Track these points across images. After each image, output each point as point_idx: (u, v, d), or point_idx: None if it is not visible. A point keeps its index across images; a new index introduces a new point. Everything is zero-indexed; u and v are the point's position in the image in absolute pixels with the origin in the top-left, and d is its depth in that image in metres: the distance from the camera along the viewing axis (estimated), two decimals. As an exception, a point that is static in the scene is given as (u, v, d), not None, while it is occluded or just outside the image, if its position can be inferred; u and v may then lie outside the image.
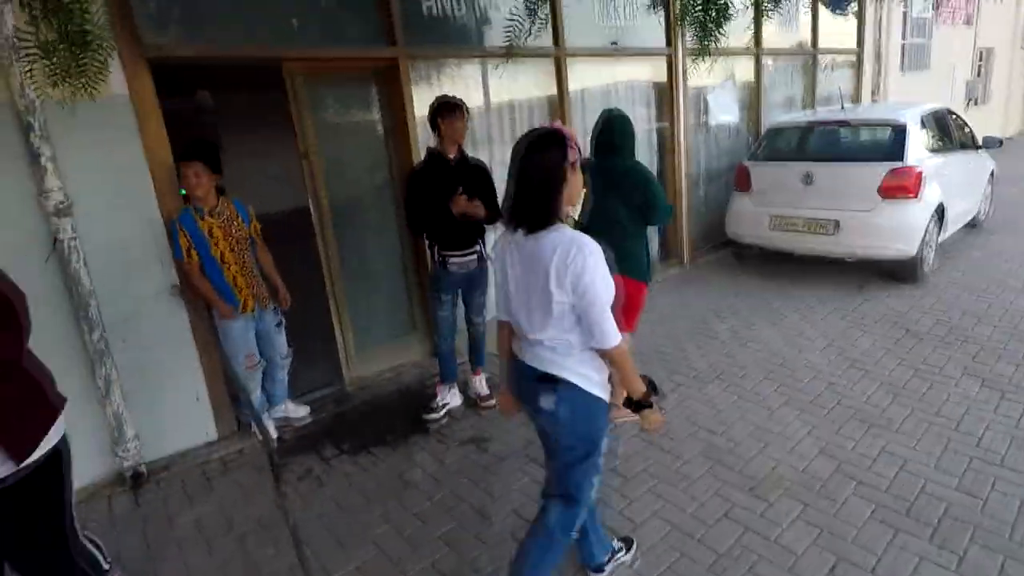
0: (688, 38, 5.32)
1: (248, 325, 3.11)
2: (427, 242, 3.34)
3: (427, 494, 2.75)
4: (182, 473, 3.06)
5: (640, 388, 1.79)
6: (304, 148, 3.47)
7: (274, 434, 3.30)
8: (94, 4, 1.84)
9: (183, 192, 2.97)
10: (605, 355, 1.72)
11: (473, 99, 4.15)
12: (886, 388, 3.29)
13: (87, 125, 2.69)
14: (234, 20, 3.14)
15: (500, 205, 3.25)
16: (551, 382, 1.72)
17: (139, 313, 2.94)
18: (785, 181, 5.07)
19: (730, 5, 3.03)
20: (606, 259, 1.63)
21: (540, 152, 1.63)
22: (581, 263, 1.57)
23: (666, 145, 5.64)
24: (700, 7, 3.05)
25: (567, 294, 1.61)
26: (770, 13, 3.99)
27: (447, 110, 3.10)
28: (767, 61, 6.57)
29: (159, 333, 3.02)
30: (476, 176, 3.25)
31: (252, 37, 3.21)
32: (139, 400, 2.98)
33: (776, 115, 6.63)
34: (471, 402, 3.56)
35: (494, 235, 4.34)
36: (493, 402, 3.49)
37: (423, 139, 3.87)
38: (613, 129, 2.96)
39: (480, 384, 3.59)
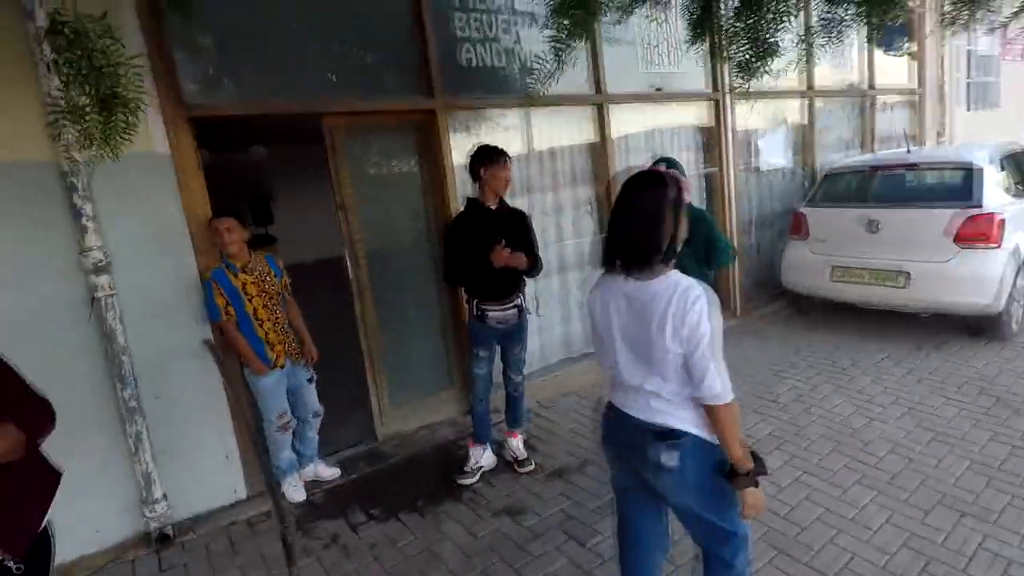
0: (734, 80, 5.20)
1: (280, 381, 3.04)
2: (464, 294, 3.21)
3: (455, 574, 2.53)
4: (209, 535, 2.94)
5: (743, 456, 1.57)
6: (340, 199, 3.44)
7: (302, 496, 3.18)
8: (123, 67, 1.79)
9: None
10: (709, 412, 1.56)
11: (512, 146, 4.07)
12: (978, 468, 2.88)
13: (128, 183, 2.73)
14: (275, 77, 3.17)
15: (536, 252, 3.20)
16: (671, 437, 1.58)
17: (172, 368, 2.90)
18: (847, 228, 4.75)
19: (778, 45, 2.85)
20: None
21: (654, 193, 1.57)
22: (699, 312, 1.51)
23: (714, 190, 5.42)
24: (746, 46, 2.89)
25: (682, 343, 1.53)
26: (821, 56, 3.79)
27: (490, 159, 3.02)
28: (820, 102, 6.31)
29: (191, 389, 2.97)
30: (516, 225, 3.15)
31: (292, 93, 3.24)
32: (169, 457, 2.92)
33: (832, 157, 6.32)
34: (507, 465, 3.35)
35: (533, 286, 4.22)
36: (531, 467, 3.28)
37: (461, 189, 3.81)
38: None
39: (517, 447, 3.38)
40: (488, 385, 3.31)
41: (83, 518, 2.73)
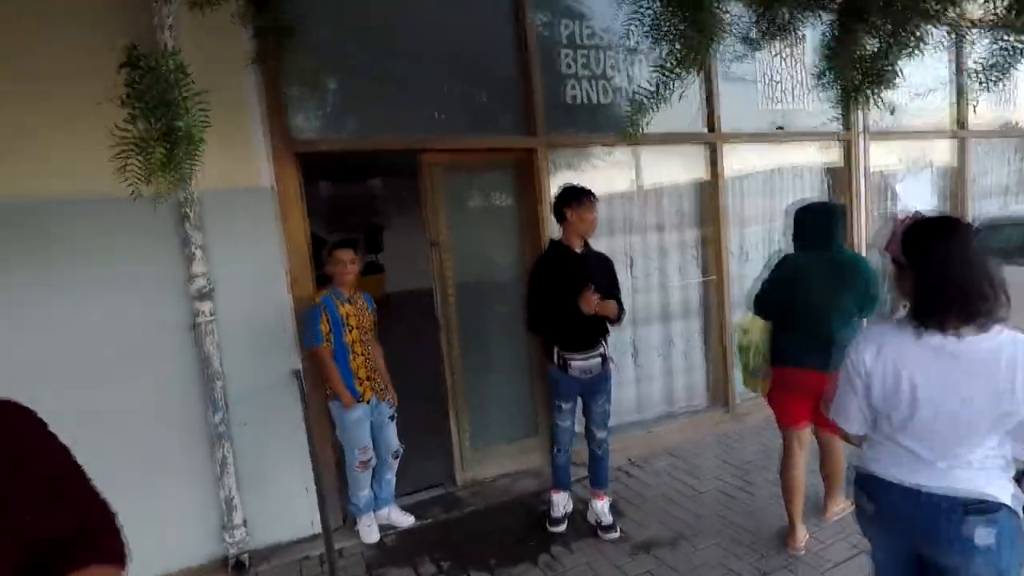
0: (868, 119, 4.71)
1: (365, 416, 3.01)
2: (546, 343, 3.03)
3: (523, 654, 2.29)
4: (281, 568, 2.92)
5: None
6: (435, 235, 3.41)
7: (375, 538, 3.10)
8: (190, 101, 1.81)
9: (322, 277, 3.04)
10: None
11: (615, 185, 3.90)
12: None
13: (234, 215, 2.84)
14: (377, 112, 3.23)
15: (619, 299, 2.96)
16: (986, 510, 1.41)
17: (261, 396, 2.95)
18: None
19: (897, 75, 2.50)
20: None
21: (969, 239, 1.46)
22: None
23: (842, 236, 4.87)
24: (865, 78, 2.54)
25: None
26: (979, 95, 3.27)
27: (577, 200, 2.87)
28: (974, 143, 5.55)
29: (277, 418, 2.99)
30: (602, 270, 2.96)
31: (393, 129, 3.28)
32: (251, 484, 2.95)
33: (988, 206, 5.51)
34: (590, 528, 3.07)
35: (630, 332, 3.95)
36: (616, 534, 2.99)
37: (556, 230, 3.66)
38: (832, 218, 2.80)
39: (603, 510, 3.09)
40: (571, 437, 3.10)
41: (168, 536, 2.82)
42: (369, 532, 3.09)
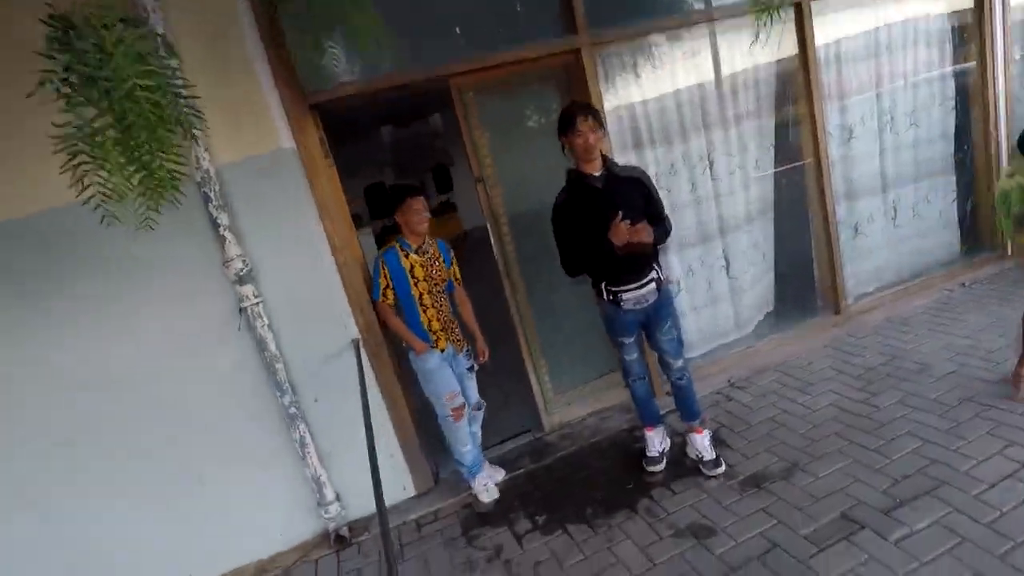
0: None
1: (443, 362, 2.83)
2: (592, 280, 2.69)
3: (630, 616, 2.13)
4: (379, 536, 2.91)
5: None
6: (480, 171, 3.06)
7: (495, 496, 2.96)
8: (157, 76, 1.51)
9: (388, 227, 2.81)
10: None
11: (682, 79, 3.31)
12: None
13: (258, 185, 2.62)
14: (393, 46, 2.83)
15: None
16: None
17: (325, 371, 2.83)
18: None
19: None
20: None
21: None
22: None
23: (970, 95, 4.01)
24: None
25: None
26: None
27: (566, 124, 2.45)
28: None
29: (348, 388, 2.86)
30: (632, 191, 2.52)
31: (414, 59, 2.88)
32: (335, 459, 2.91)
33: None
34: (692, 466, 2.82)
35: (721, 240, 3.49)
36: (721, 469, 2.72)
37: (619, 142, 3.19)
38: None
39: (702, 444, 2.81)
40: (643, 365, 2.86)
41: (271, 521, 2.87)
42: (486, 493, 2.94)
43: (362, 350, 2.86)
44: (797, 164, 3.65)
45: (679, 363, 2.74)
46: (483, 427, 3.11)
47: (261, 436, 2.79)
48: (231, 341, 2.66)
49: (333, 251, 2.78)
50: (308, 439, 2.79)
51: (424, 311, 2.75)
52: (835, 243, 3.68)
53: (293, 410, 2.74)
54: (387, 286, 2.69)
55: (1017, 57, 4.03)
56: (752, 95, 3.45)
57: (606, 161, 2.54)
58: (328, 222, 2.75)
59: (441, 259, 2.84)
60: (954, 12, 3.86)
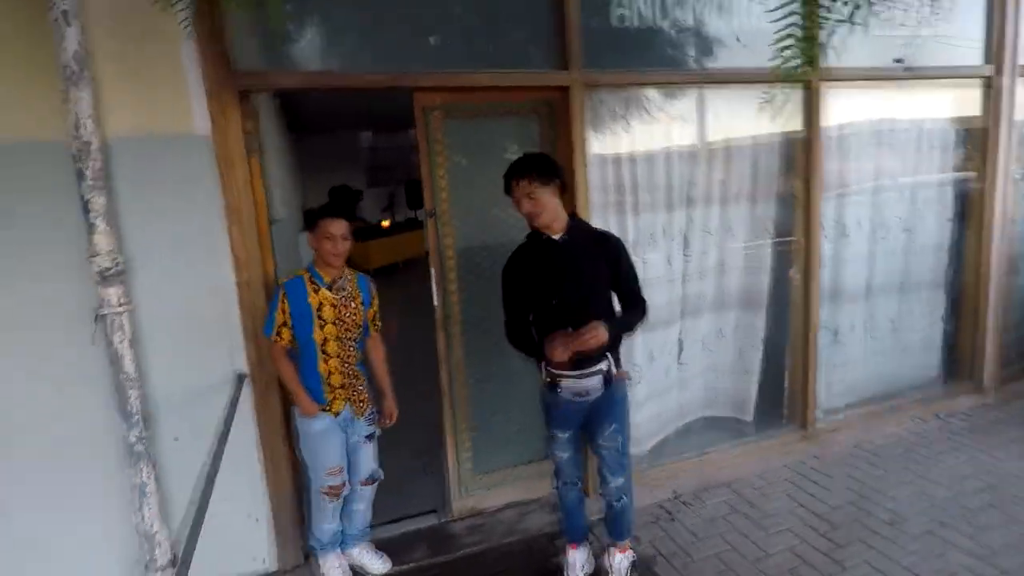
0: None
1: (333, 428, 2.33)
2: (532, 355, 2.24)
3: None
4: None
5: None
6: (432, 204, 2.63)
7: None
8: None
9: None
10: None
11: (676, 138, 2.98)
12: None
13: (152, 171, 2.15)
14: (353, 37, 2.42)
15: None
16: None
17: (196, 407, 2.31)
18: None
19: None
20: None
21: None
22: None
23: (968, 208, 3.78)
24: None
25: None
26: None
27: (516, 175, 2.05)
28: None
29: (218, 434, 2.37)
30: (599, 255, 2.11)
31: (373, 60, 2.46)
32: (186, 515, 2.35)
33: None
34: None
35: (677, 327, 3.09)
36: (643, 600, 2.24)
37: (599, 197, 2.81)
38: None
39: (621, 567, 2.35)
40: (577, 468, 2.38)
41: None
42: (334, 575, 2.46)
43: (246, 388, 2.36)
44: (783, 250, 3.31)
45: (618, 481, 2.26)
46: (376, 496, 2.58)
47: (92, 474, 2.23)
48: (78, 352, 2.13)
49: (236, 265, 2.30)
50: (151, 486, 2.22)
51: (325, 360, 2.27)
52: (813, 347, 3.32)
53: (139, 447, 2.17)
54: (284, 323, 2.20)
55: (1018, 176, 3.82)
56: (744, 171, 3.13)
57: (573, 220, 2.13)
58: (236, 230, 2.28)
59: (359, 299, 2.35)
60: (963, 118, 3.64)
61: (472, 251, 2.72)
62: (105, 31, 2.04)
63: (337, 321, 2.26)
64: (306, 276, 2.25)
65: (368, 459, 2.49)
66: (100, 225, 2.03)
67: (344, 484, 2.39)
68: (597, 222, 2.63)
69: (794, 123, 3.17)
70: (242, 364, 2.37)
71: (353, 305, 2.32)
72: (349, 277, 2.33)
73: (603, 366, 2.09)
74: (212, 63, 2.17)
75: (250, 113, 2.35)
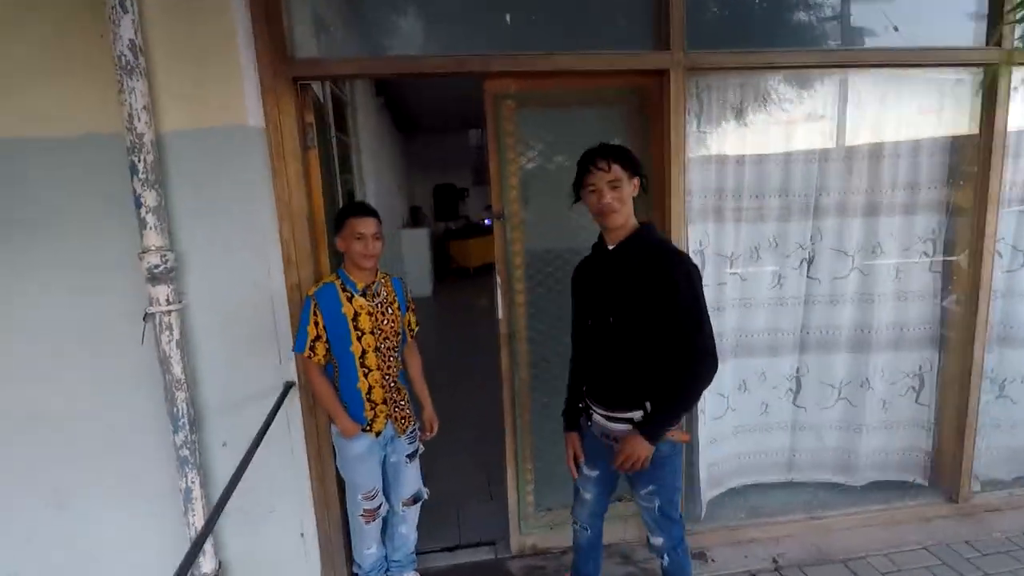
0: None
1: (372, 450, 2.14)
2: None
3: None
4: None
5: None
6: (501, 205, 2.34)
7: None
8: None
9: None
10: None
11: (799, 134, 2.46)
12: None
13: (205, 165, 2.05)
14: (414, 20, 2.19)
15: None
16: None
17: (246, 413, 2.20)
18: None
19: None
20: None
21: None
22: None
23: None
24: None
25: None
26: None
27: (580, 170, 1.72)
28: None
29: (269, 440, 2.25)
30: (643, 275, 1.66)
31: (441, 45, 2.22)
32: (233, 525, 2.27)
33: None
34: None
35: (792, 359, 2.55)
36: None
37: (697, 203, 2.38)
38: None
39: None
40: (595, 517, 2.04)
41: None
42: (375, 606, 2.28)
43: (294, 398, 2.23)
44: (939, 276, 2.64)
45: (658, 540, 1.88)
46: (430, 520, 2.36)
47: (141, 475, 2.20)
48: (128, 352, 2.08)
49: (286, 265, 2.16)
50: (197, 491, 2.16)
51: (365, 375, 2.06)
52: (973, 400, 2.63)
53: (185, 452, 2.12)
54: (317, 337, 2.02)
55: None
56: (894, 176, 2.51)
57: (642, 230, 1.74)
58: (287, 228, 2.14)
59: (396, 304, 2.14)
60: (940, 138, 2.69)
61: (544, 259, 2.41)
62: (159, 20, 1.96)
63: (375, 330, 2.06)
64: (337, 283, 2.05)
65: (412, 478, 2.28)
66: (151, 221, 1.97)
67: (383, 505, 2.21)
68: (695, 233, 2.21)
69: (964, 119, 2.50)
70: (291, 371, 2.23)
71: (391, 311, 2.11)
72: (383, 281, 2.13)
73: (636, 415, 1.71)
74: (267, 51, 2.03)
75: (308, 104, 2.20)
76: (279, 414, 2.20)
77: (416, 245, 8.64)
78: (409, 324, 2.24)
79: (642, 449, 1.64)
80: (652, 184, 2.31)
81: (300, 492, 2.32)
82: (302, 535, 2.35)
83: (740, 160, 2.40)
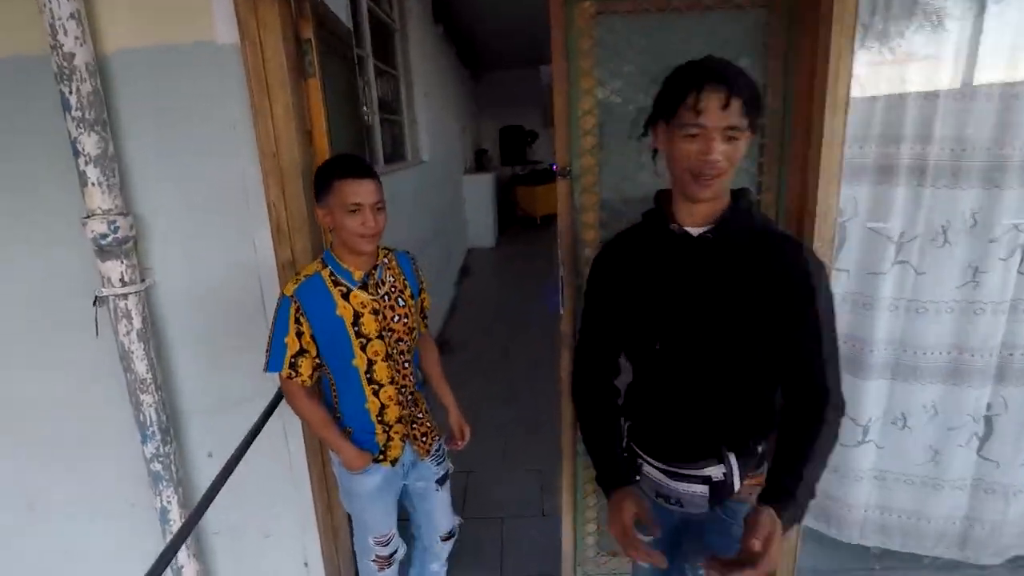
0: None
1: (390, 483, 1.63)
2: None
3: None
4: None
5: None
6: (567, 158, 1.68)
7: None
8: None
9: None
10: None
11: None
12: None
13: (171, 100, 1.52)
14: None
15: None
16: None
17: (236, 418, 1.74)
18: None
19: None
20: None
21: None
22: None
23: None
24: None
25: None
26: None
27: (676, 95, 1.01)
28: None
29: (264, 450, 1.80)
30: (762, 279, 1.05)
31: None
32: (222, 548, 1.88)
33: None
34: None
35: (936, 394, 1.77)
36: None
37: (854, 154, 1.63)
38: None
39: None
40: None
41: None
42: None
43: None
44: None
45: None
46: (469, 535, 1.89)
47: (111, 490, 1.81)
48: (84, 340, 1.64)
49: (275, 236, 1.63)
50: (175, 511, 1.75)
51: (375, 392, 1.51)
52: None
53: (157, 466, 1.69)
54: (300, 352, 1.43)
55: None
56: None
57: (737, 205, 1.09)
58: (274, 184, 1.59)
59: (408, 291, 1.54)
60: None
61: (617, 213, 1.74)
62: None
63: (384, 333, 1.47)
64: (324, 273, 1.44)
65: (444, 509, 1.76)
66: (92, 175, 1.47)
67: (398, 550, 1.72)
68: (848, 199, 1.48)
69: None
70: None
71: (401, 303, 1.51)
72: (387, 263, 1.51)
73: (715, 472, 1.14)
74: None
75: (305, 13, 1.59)
76: (275, 423, 1.73)
77: (479, 192, 8.03)
78: (422, 309, 1.66)
79: (779, 532, 1.02)
80: (791, 127, 1.58)
81: (302, 515, 1.88)
82: (306, 565, 1.93)
83: (931, 96, 1.61)
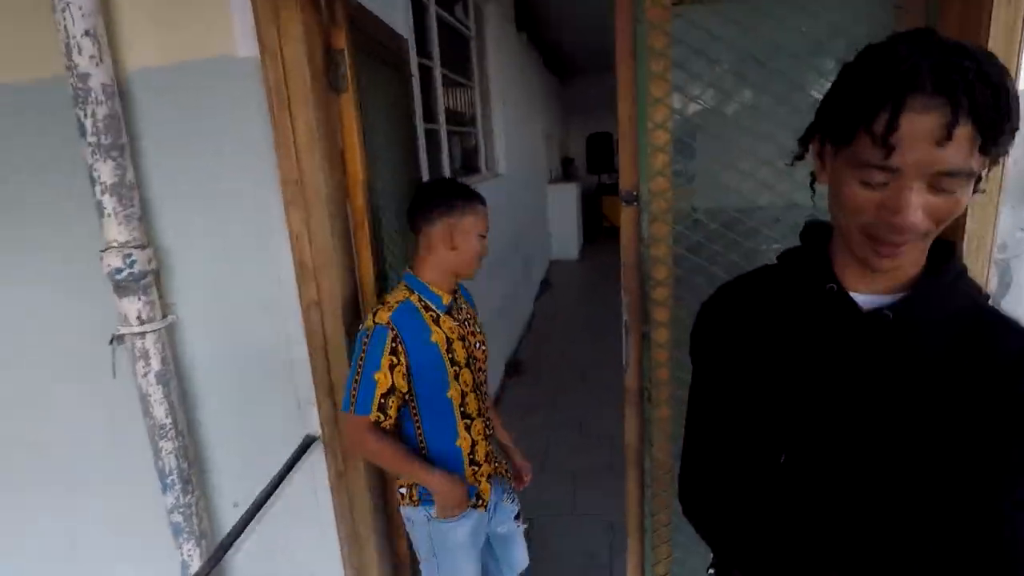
0: None
1: (480, 530, 1.45)
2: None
3: None
4: None
5: None
6: (637, 179, 1.38)
7: None
8: None
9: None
10: None
11: None
12: None
13: (191, 121, 1.38)
14: None
15: None
16: None
17: (264, 466, 1.59)
18: None
19: None
20: None
21: None
22: None
23: None
24: None
25: None
26: None
27: (874, 102, 0.57)
28: None
29: (294, 504, 1.65)
30: (956, 384, 0.63)
31: None
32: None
33: None
34: None
35: None
36: None
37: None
38: None
39: None
40: None
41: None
42: None
43: (320, 457, 1.57)
44: None
45: None
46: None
47: (137, 538, 1.71)
48: (91, 385, 1.55)
49: (298, 273, 1.45)
50: (194, 564, 1.61)
51: (467, 427, 1.38)
52: None
53: (177, 517, 1.57)
54: (389, 390, 1.27)
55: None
56: None
57: (937, 271, 0.69)
58: (296, 215, 1.41)
59: (477, 319, 1.50)
60: None
61: (708, 275, 1.41)
62: None
63: (470, 361, 1.38)
64: (414, 299, 1.32)
65: (523, 548, 1.59)
66: (109, 205, 1.36)
67: None
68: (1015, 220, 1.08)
69: None
70: (313, 420, 1.56)
71: (476, 329, 1.45)
72: (456, 292, 1.46)
73: None
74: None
75: (337, 19, 1.41)
76: (305, 478, 1.57)
77: (563, 202, 7.75)
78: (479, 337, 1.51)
79: None
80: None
81: (335, 563, 1.70)
82: (337, 630, 1.74)
83: None
